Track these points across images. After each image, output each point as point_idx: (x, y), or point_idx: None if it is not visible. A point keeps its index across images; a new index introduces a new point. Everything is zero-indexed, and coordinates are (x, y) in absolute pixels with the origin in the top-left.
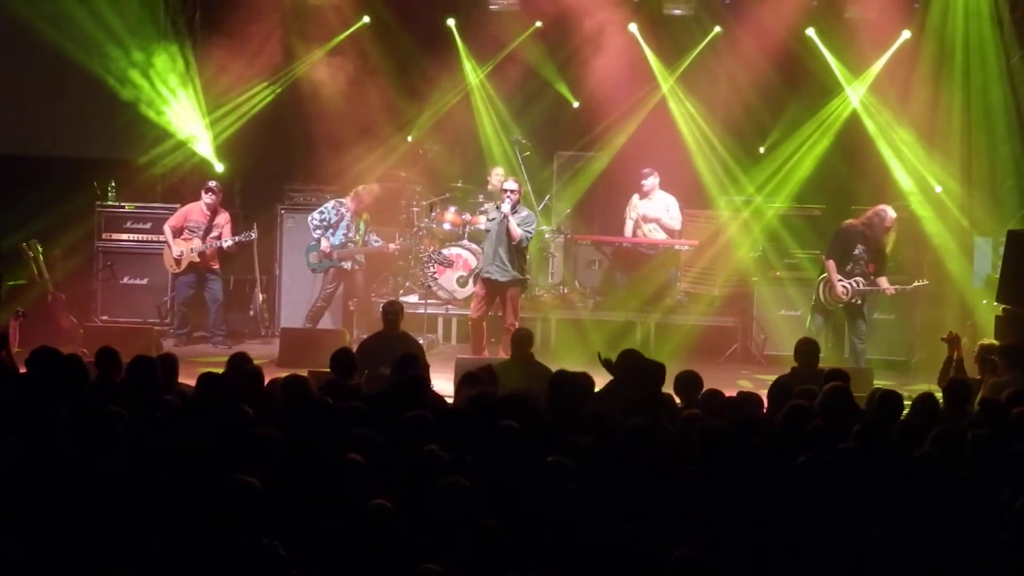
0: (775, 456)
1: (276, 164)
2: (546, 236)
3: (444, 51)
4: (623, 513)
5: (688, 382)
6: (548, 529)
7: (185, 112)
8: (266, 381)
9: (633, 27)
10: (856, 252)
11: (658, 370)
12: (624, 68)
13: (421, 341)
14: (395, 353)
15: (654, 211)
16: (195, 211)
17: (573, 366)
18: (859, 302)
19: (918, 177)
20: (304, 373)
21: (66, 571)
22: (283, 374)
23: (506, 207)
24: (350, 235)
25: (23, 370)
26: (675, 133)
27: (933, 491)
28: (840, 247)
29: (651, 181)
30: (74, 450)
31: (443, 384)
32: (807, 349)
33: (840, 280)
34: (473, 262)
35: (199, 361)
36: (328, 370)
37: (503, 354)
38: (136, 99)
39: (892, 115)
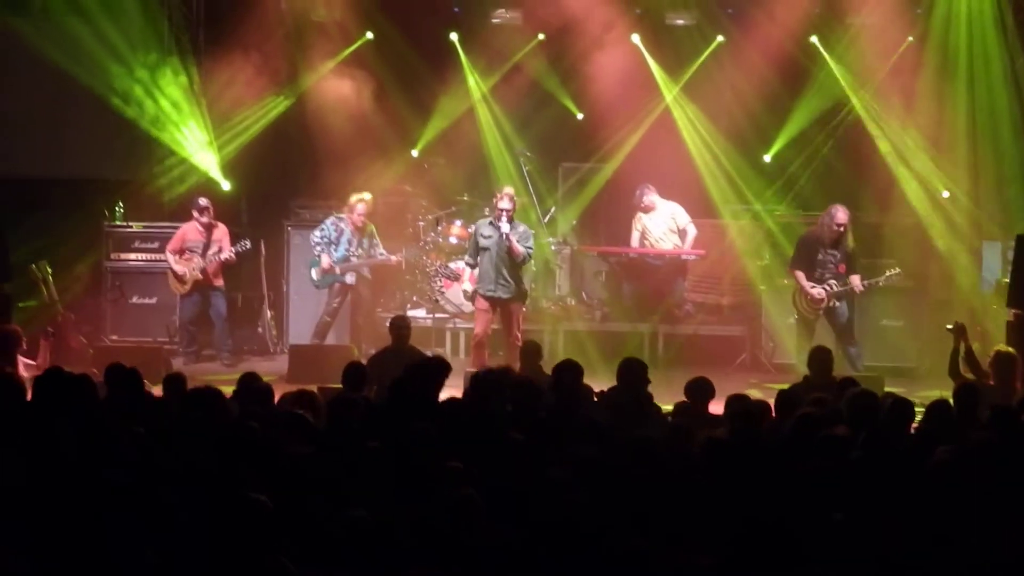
0: (784, 464)
1: (282, 181)
2: (552, 248)
3: (447, 65)
4: (631, 523)
5: (700, 388)
6: (552, 538)
7: (190, 130)
8: (276, 398)
9: (636, 38)
10: (820, 257)
11: (641, 368)
12: (627, 79)
13: (429, 355)
14: (403, 368)
15: (662, 223)
16: (191, 231)
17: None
18: (835, 305)
19: (924, 182)
20: (314, 389)
21: None
22: (293, 389)
23: (505, 227)
24: (352, 249)
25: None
26: (679, 143)
27: (950, 499)
28: (803, 256)
29: (648, 197)
30: (81, 467)
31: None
32: (822, 357)
33: (813, 286)
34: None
35: (207, 380)
36: (337, 385)
37: None
38: (141, 118)
39: (897, 121)
